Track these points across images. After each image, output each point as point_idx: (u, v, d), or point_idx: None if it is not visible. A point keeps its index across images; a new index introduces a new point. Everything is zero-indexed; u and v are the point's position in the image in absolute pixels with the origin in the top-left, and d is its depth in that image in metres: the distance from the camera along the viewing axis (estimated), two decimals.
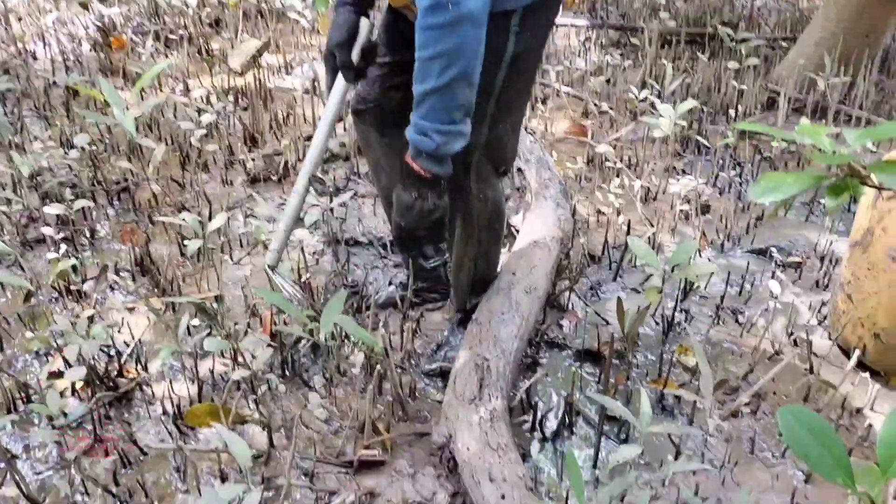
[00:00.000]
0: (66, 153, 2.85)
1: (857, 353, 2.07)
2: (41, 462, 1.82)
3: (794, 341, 2.28)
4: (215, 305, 2.18)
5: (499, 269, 2.26)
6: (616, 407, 1.64)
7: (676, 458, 1.88)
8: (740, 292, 2.54)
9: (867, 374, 2.10)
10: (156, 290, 2.41)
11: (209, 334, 2.06)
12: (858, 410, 2.05)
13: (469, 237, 2.04)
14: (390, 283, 2.43)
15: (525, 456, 1.85)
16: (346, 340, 2.17)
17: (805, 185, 0.98)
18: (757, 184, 0.97)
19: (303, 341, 2.15)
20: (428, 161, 1.58)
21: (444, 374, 2.09)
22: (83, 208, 2.69)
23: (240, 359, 2.04)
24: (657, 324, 2.38)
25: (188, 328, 2.14)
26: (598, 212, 2.96)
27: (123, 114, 2.41)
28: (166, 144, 3.10)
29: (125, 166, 2.79)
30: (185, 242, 2.36)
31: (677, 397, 2.07)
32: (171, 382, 2.02)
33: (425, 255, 2.27)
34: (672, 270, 2.06)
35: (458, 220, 1.99)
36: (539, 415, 1.97)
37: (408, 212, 1.66)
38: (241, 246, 2.68)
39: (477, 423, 1.67)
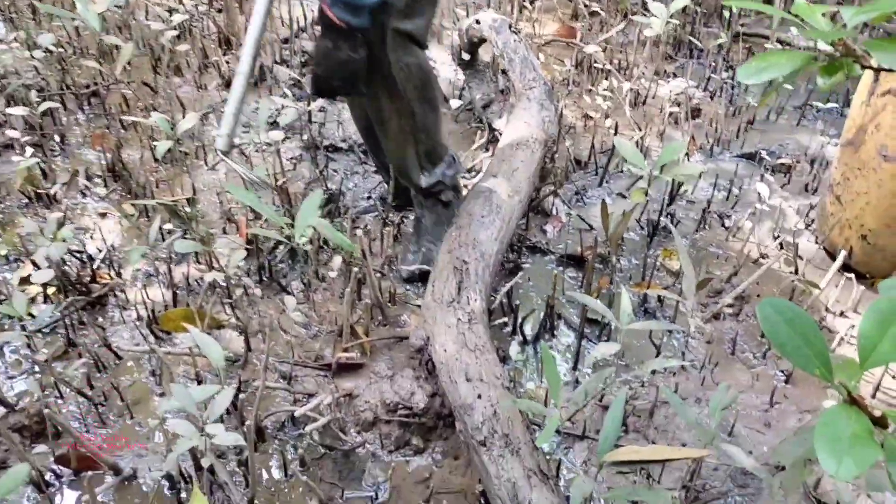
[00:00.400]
0: (31, 56, 2.73)
1: (843, 254, 2.04)
2: (13, 367, 1.79)
3: (780, 245, 2.25)
4: (188, 209, 2.11)
5: (443, 140, 2.09)
6: (596, 305, 1.61)
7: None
8: (727, 196, 2.49)
9: (852, 277, 2.08)
10: (128, 195, 2.34)
11: (183, 237, 2.01)
12: (842, 313, 2.03)
13: (401, 112, 1.89)
14: (369, 197, 2.36)
15: (505, 358, 1.84)
16: (324, 246, 2.12)
17: (797, 64, 0.91)
18: (747, 64, 0.90)
19: (280, 247, 2.10)
20: (343, 10, 1.55)
21: (423, 279, 2.06)
22: (52, 112, 2.58)
23: (214, 263, 1.99)
24: (642, 228, 2.34)
25: (161, 232, 2.09)
26: (586, 116, 2.87)
27: (87, 9, 2.27)
28: (137, 47, 2.97)
29: (93, 66, 2.67)
30: (156, 144, 2.28)
31: (660, 301, 2.05)
32: (144, 287, 1.98)
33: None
34: (660, 171, 2.00)
35: (383, 98, 1.85)
36: (520, 318, 1.94)
37: (324, 59, 1.66)
38: (216, 151, 2.59)
39: (455, 324, 1.64)
